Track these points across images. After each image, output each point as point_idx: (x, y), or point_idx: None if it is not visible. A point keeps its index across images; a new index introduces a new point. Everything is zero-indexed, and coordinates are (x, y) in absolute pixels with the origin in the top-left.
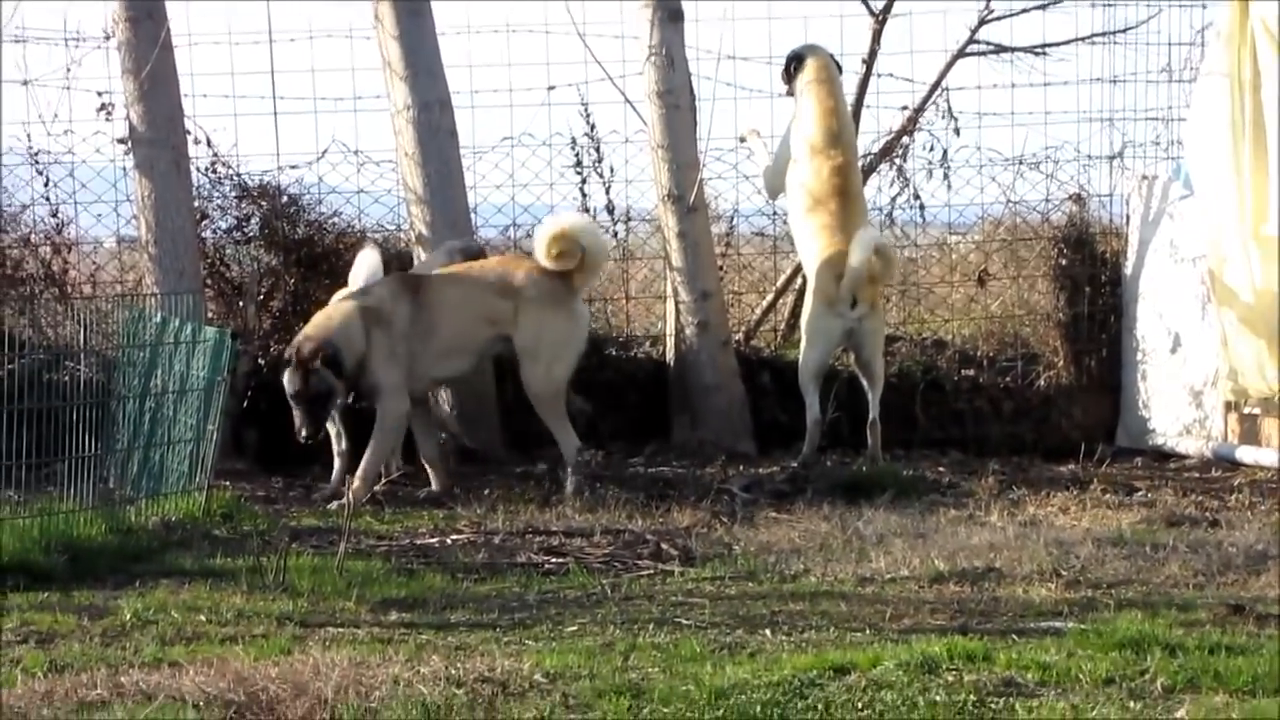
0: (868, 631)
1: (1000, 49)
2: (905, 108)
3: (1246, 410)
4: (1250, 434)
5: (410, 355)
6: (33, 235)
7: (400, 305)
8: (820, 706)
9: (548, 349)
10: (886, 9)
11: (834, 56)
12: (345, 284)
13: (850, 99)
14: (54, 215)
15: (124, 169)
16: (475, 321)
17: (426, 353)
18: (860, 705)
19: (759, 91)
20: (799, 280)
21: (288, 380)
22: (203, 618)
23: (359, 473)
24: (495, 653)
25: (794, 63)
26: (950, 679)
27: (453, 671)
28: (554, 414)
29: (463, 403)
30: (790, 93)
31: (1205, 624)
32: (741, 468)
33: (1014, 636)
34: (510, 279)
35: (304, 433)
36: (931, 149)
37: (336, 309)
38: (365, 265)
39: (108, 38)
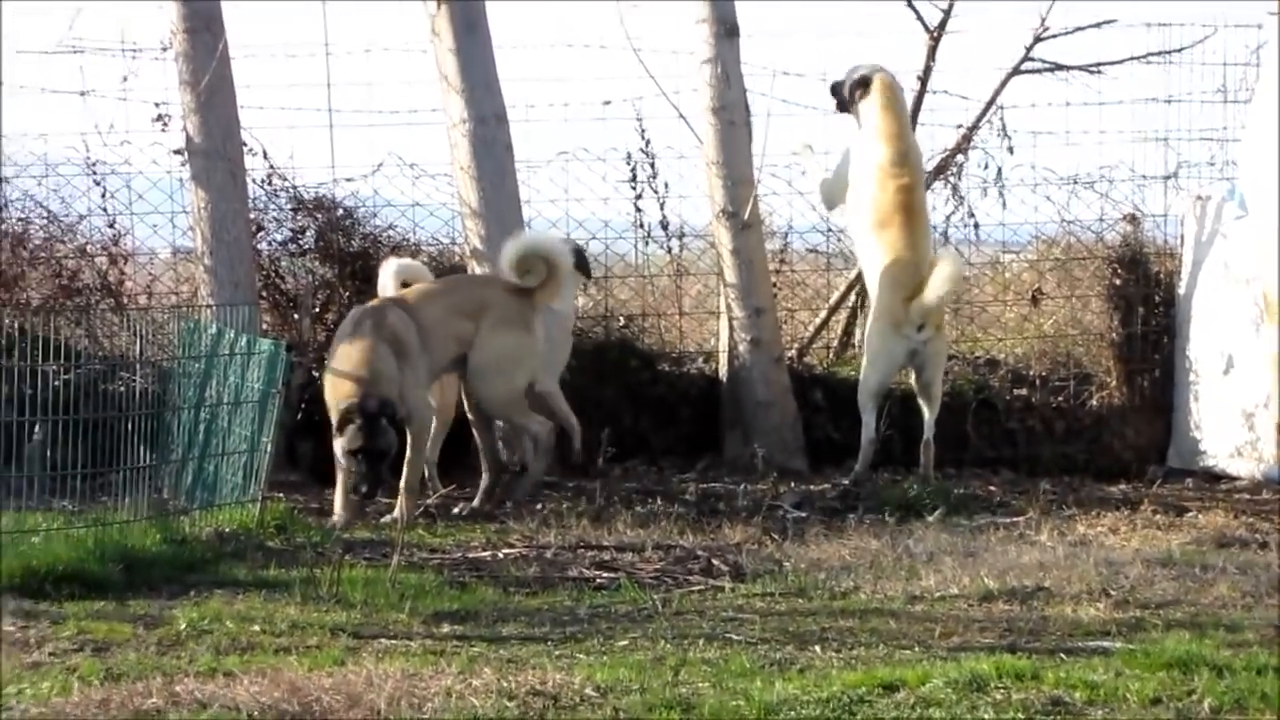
0: (917, 649)
1: (1055, 67)
2: (960, 125)
3: None
4: None
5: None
6: (89, 245)
7: (410, 331)
8: None
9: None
10: (942, 26)
11: (895, 77)
12: None
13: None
14: (111, 226)
15: (180, 180)
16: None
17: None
18: None
19: (814, 108)
20: (852, 297)
21: (350, 438)
22: (257, 628)
23: (403, 487)
24: (547, 666)
25: (860, 85)
26: (998, 697)
27: (504, 684)
28: (518, 413)
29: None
30: (846, 110)
31: (1253, 645)
32: (793, 484)
33: (1062, 655)
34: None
35: (366, 490)
36: (986, 167)
37: (368, 351)
38: (394, 273)
39: (165, 49)
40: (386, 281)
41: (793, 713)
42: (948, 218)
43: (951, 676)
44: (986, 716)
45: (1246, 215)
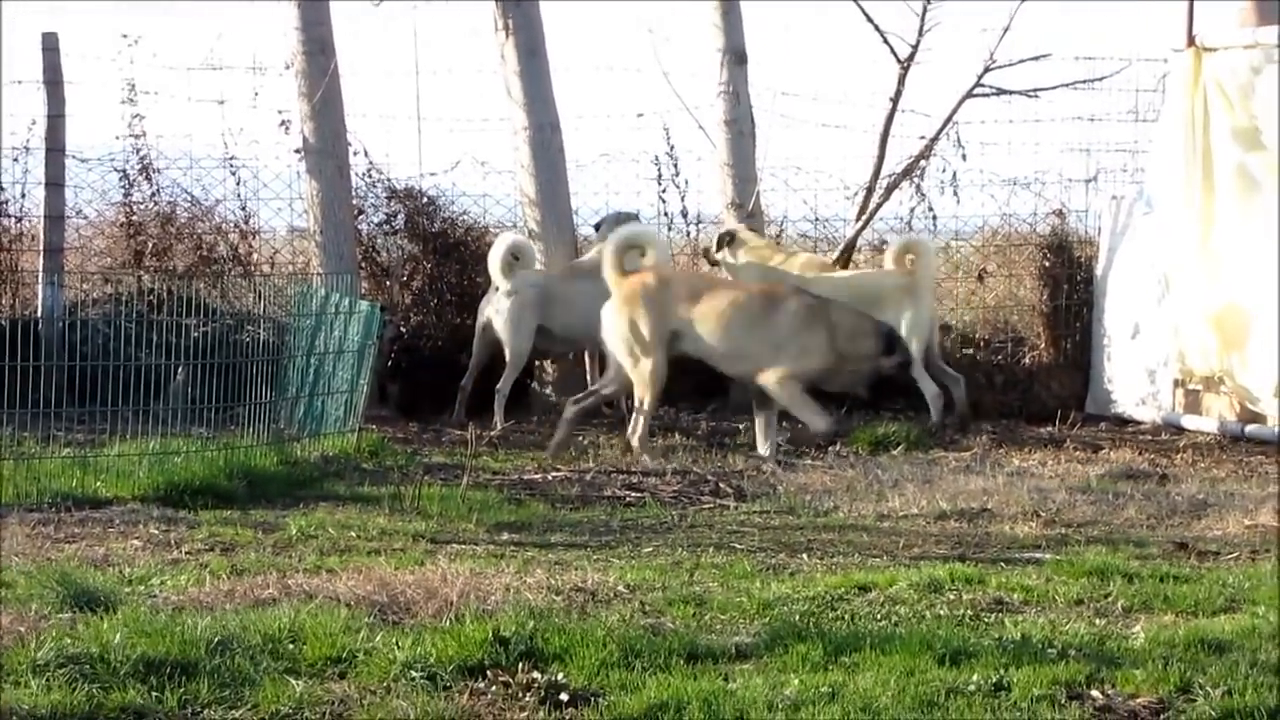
0: (885, 558)
1: (1000, 91)
2: (923, 137)
3: (1190, 386)
4: (1193, 405)
5: None
6: (223, 224)
7: None
8: (847, 617)
9: None
10: (910, 58)
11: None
12: (472, 270)
13: (879, 130)
14: (241, 209)
15: (297, 173)
16: None
17: None
18: (879, 616)
19: (805, 122)
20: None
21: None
22: (353, 534)
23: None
24: (586, 568)
25: (728, 238)
26: (951, 597)
27: (553, 582)
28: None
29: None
30: (714, 264)
31: (1156, 557)
32: (784, 424)
33: (1002, 564)
34: None
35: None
36: (944, 171)
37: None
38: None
39: (287, 67)
40: (499, 251)
41: (785, 608)
42: (912, 210)
43: (913, 580)
44: (942, 613)
45: (1152, 212)
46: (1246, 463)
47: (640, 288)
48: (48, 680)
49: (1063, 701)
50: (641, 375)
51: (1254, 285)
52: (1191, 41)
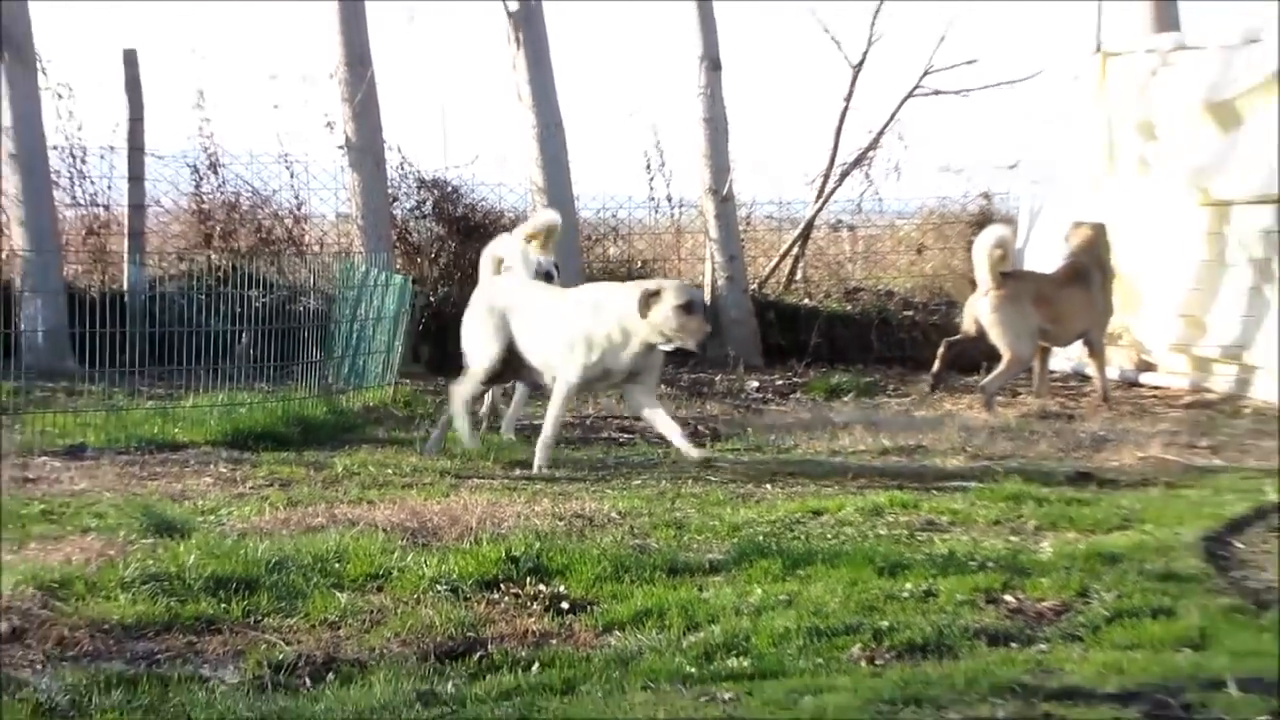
0: (835, 487)
1: (937, 92)
2: (871, 130)
3: None
4: None
5: None
6: (279, 211)
7: None
8: (803, 537)
9: None
10: (860, 64)
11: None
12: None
13: (834, 125)
14: (295, 198)
15: (341, 167)
16: None
17: None
18: (829, 536)
19: (771, 118)
20: (796, 249)
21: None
22: (389, 471)
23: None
24: (585, 497)
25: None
26: (890, 520)
27: (556, 510)
28: None
29: None
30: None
31: (1063, 484)
32: (752, 376)
33: (934, 491)
34: None
35: None
36: (889, 160)
37: None
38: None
39: (331, 76)
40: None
41: (751, 530)
42: (861, 194)
43: (858, 505)
44: (882, 532)
45: (1063, 195)
46: (1140, 404)
47: None
48: (133, 595)
49: (982, 605)
50: None
51: (1147, 257)
52: (1099, 48)
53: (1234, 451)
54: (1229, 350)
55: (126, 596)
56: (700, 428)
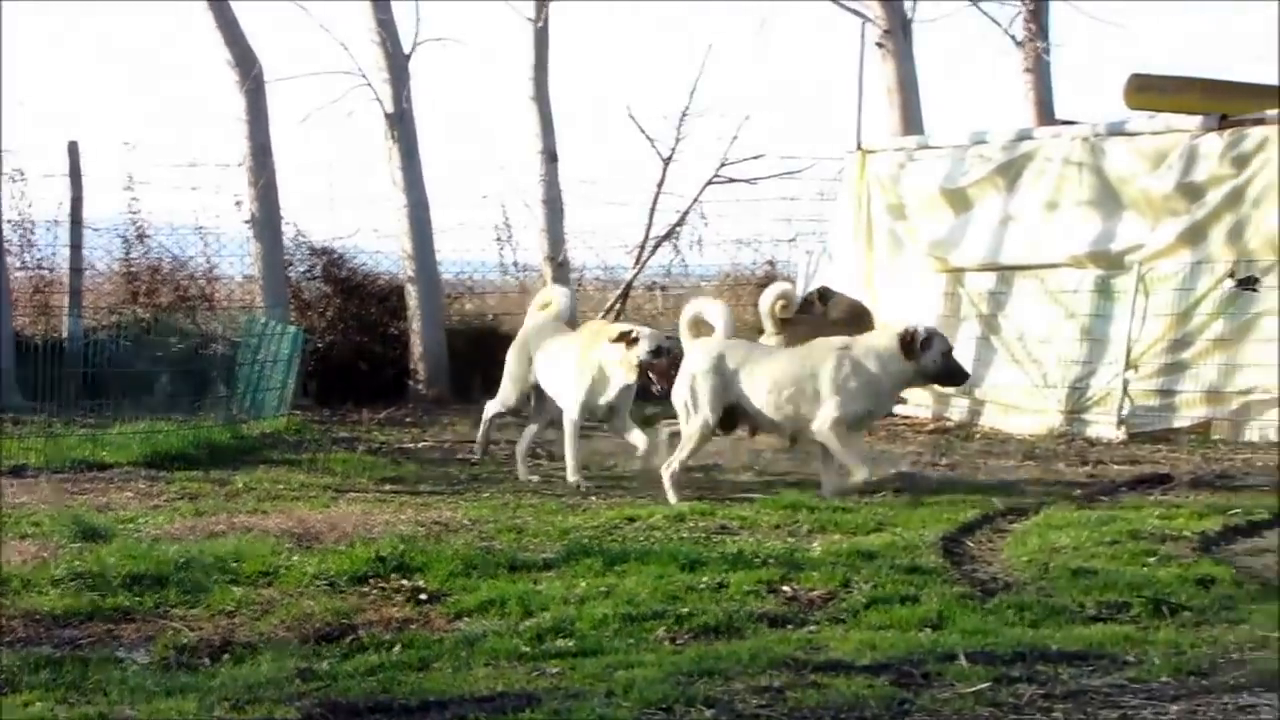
0: (647, 498)
1: (731, 180)
2: (678, 210)
3: None
4: None
5: None
6: (194, 273)
7: None
8: (620, 539)
9: None
10: (670, 157)
11: None
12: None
13: (648, 206)
14: (208, 262)
15: (247, 237)
16: None
17: None
18: (642, 538)
19: (598, 199)
20: (617, 304)
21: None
22: (281, 486)
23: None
24: (442, 507)
25: None
26: (691, 525)
27: (419, 518)
28: None
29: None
30: None
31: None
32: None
33: (728, 501)
34: None
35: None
36: (693, 234)
37: None
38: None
39: (240, 164)
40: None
41: (578, 534)
42: (671, 261)
43: (666, 514)
44: (684, 535)
45: (832, 262)
46: (893, 430)
47: None
48: (62, 590)
49: (764, 594)
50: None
51: (899, 315)
52: (859, 146)
53: (966, 469)
54: (963, 387)
55: (56, 591)
56: (538, 449)
